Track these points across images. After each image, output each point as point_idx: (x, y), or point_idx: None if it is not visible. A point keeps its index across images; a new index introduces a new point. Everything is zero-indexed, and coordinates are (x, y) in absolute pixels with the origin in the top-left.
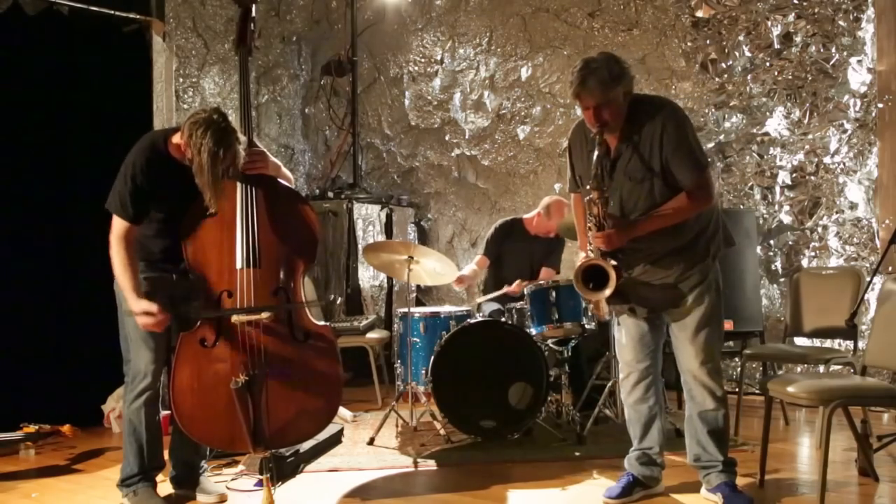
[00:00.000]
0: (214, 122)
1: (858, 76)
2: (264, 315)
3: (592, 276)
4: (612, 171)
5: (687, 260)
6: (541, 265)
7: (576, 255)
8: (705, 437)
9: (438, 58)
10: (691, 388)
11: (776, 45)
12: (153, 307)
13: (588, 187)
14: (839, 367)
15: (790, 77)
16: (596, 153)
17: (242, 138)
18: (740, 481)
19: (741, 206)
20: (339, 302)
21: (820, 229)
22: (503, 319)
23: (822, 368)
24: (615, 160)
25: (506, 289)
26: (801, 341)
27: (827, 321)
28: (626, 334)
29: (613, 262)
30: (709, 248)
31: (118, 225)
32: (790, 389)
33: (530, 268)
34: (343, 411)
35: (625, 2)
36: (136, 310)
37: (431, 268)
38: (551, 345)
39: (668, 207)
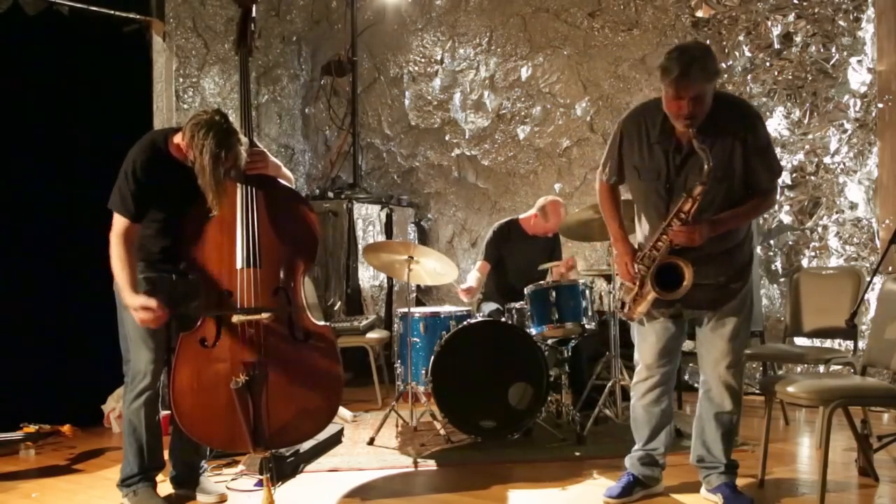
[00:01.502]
0: (216, 124)
1: (858, 76)
2: (264, 315)
3: (659, 275)
4: (680, 168)
5: (736, 262)
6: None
7: (608, 253)
8: (714, 439)
9: (438, 58)
10: (711, 389)
11: (776, 45)
12: (151, 302)
13: (698, 182)
14: (839, 367)
15: (790, 77)
16: (694, 144)
17: (244, 140)
18: (740, 481)
19: None
20: (337, 307)
21: (820, 229)
22: (503, 319)
23: (822, 368)
24: (687, 156)
25: (552, 269)
26: (801, 341)
27: (827, 321)
28: (654, 337)
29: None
30: (751, 251)
31: (118, 223)
32: (790, 389)
33: (532, 268)
34: (343, 411)
35: (625, 2)
36: (133, 304)
37: (431, 268)
38: (551, 345)
39: (747, 208)
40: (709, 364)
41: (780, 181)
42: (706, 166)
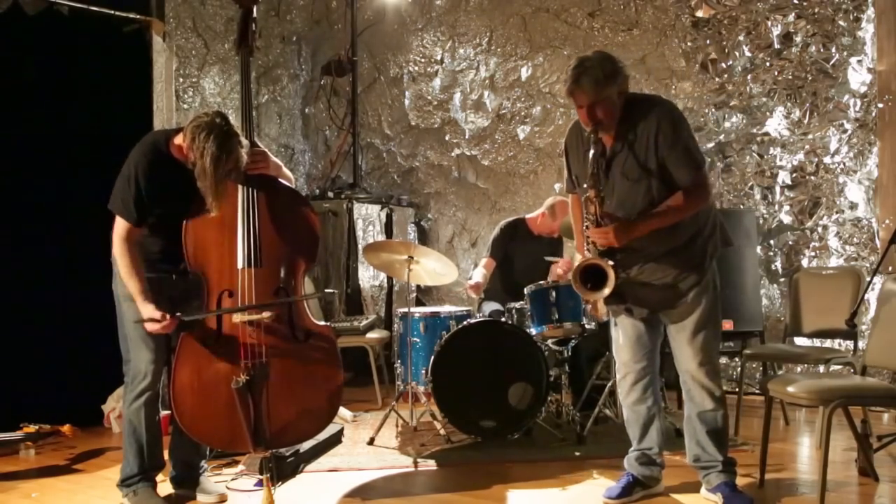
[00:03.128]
0: (217, 126)
1: (858, 76)
2: (265, 314)
3: (591, 276)
4: (608, 171)
5: (684, 260)
6: (547, 265)
7: (573, 257)
8: (704, 438)
9: (438, 58)
10: (690, 389)
11: (776, 45)
12: (156, 314)
13: (585, 185)
14: (839, 367)
15: (790, 77)
16: (592, 151)
17: (245, 142)
18: (740, 481)
19: (741, 206)
20: (335, 294)
21: (820, 229)
22: (503, 319)
23: (822, 368)
24: (611, 159)
25: (555, 266)
26: (801, 341)
27: (827, 321)
28: (622, 335)
29: (611, 262)
30: (706, 248)
31: (121, 226)
32: (790, 389)
33: (538, 267)
34: (343, 411)
35: (625, 2)
36: (145, 315)
37: (431, 268)
38: (551, 345)
39: (666, 206)
40: (682, 364)
41: (707, 177)
42: (589, 171)
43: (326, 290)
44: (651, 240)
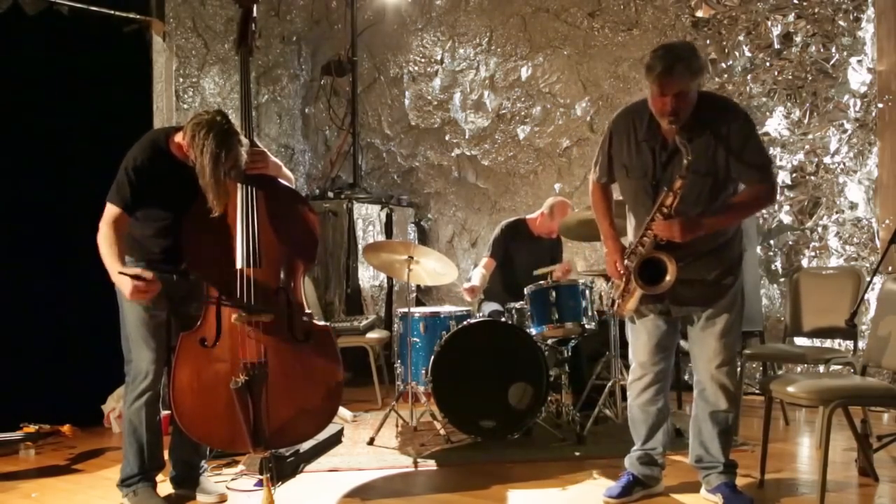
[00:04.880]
0: (217, 124)
1: (858, 76)
2: (264, 315)
3: (644, 270)
4: (666, 165)
5: (725, 260)
6: (546, 265)
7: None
8: (711, 438)
9: (438, 58)
10: (705, 388)
11: (776, 45)
12: (147, 273)
13: (678, 176)
14: (839, 367)
15: (790, 77)
16: (677, 140)
17: (245, 140)
18: (740, 481)
19: None
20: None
21: (820, 229)
22: (503, 319)
23: (822, 368)
24: (673, 153)
25: (555, 272)
26: (801, 341)
27: (827, 321)
28: (645, 335)
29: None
30: (740, 249)
31: (109, 211)
32: (790, 389)
33: (536, 268)
34: (343, 411)
35: (625, 2)
36: (124, 278)
37: (431, 268)
38: (551, 345)
39: (736, 203)
40: (701, 363)
41: (776, 177)
42: (685, 160)
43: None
44: (700, 236)
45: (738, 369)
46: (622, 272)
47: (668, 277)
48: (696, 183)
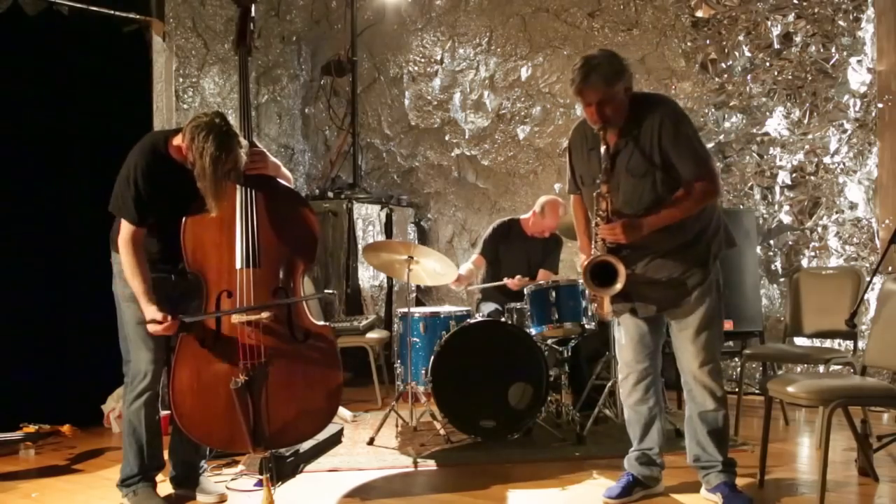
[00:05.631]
0: (216, 126)
1: (858, 76)
2: (264, 315)
3: (599, 273)
4: (612, 168)
5: (689, 258)
6: (538, 266)
7: (576, 257)
8: (705, 438)
9: (438, 58)
10: (692, 389)
11: (776, 45)
12: (158, 316)
13: (597, 182)
14: (839, 367)
15: (790, 77)
16: (603, 147)
17: (244, 142)
18: (740, 481)
19: (741, 206)
20: (335, 294)
21: (820, 229)
22: (503, 319)
23: (822, 368)
24: (615, 156)
25: (505, 281)
26: (801, 341)
27: (827, 321)
28: (625, 334)
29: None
30: (710, 247)
31: (126, 229)
32: (790, 389)
33: (527, 268)
34: (343, 411)
35: (625, 2)
36: (148, 317)
37: (431, 268)
38: (551, 345)
39: (673, 199)
40: (683, 365)
41: (716, 169)
42: (602, 167)
43: (326, 291)
44: (657, 236)
45: (721, 367)
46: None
47: (619, 277)
48: (637, 184)
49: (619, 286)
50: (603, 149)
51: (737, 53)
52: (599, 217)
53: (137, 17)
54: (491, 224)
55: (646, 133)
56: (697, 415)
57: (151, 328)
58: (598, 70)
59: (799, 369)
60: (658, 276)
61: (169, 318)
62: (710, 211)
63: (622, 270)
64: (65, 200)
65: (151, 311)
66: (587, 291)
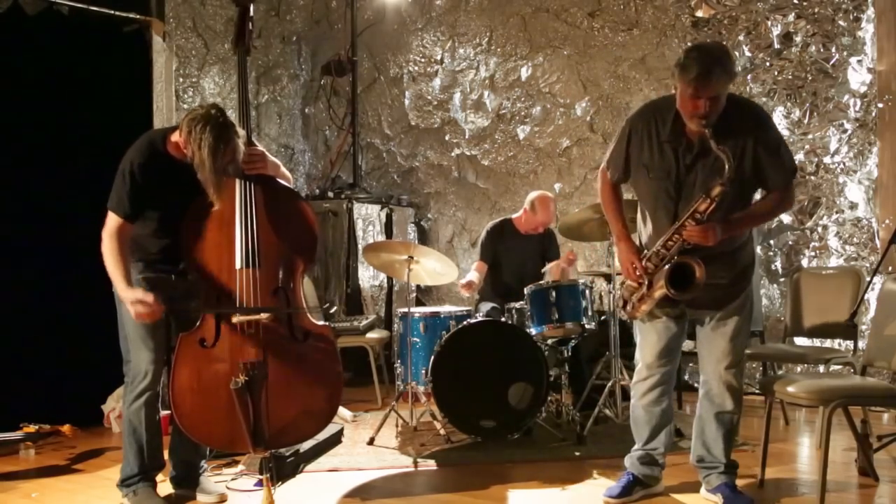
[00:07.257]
0: (213, 118)
1: (858, 76)
2: (264, 315)
3: (676, 275)
4: (690, 167)
5: (740, 262)
6: (541, 262)
7: (608, 253)
8: (714, 439)
9: (438, 58)
10: (712, 389)
11: (776, 45)
12: (148, 296)
13: (718, 183)
14: (839, 367)
15: (790, 77)
16: (715, 146)
17: (241, 132)
18: (740, 481)
19: None
20: (334, 310)
21: (820, 229)
22: (503, 319)
23: (822, 368)
24: (697, 156)
25: (549, 267)
26: (801, 341)
27: (827, 321)
28: (655, 336)
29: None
30: (753, 252)
31: (112, 221)
32: (790, 389)
33: (528, 266)
34: (343, 411)
35: (625, 2)
36: (129, 298)
37: (431, 268)
38: (551, 345)
39: (762, 207)
40: (710, 364)
41: (795, 180)
42: (727, 167)
43: (325, 306)
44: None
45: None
46: (639, 275)
47: (697, 283)
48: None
49: (695, 288)
50: (717, 149)
51: (737, 53)
52: (693, 218)
53: (137, 16)
54: (484, 228)
55: (739, 137)
56: (714, 415)
57: (137, 310)
58: (722, 65)
59: (799, 369)
60: (712, 279)
61: (152, 297)
62: None
63: (701, 273)
64: (65, 200)
65: (136, 293)
66: (619, 289)
